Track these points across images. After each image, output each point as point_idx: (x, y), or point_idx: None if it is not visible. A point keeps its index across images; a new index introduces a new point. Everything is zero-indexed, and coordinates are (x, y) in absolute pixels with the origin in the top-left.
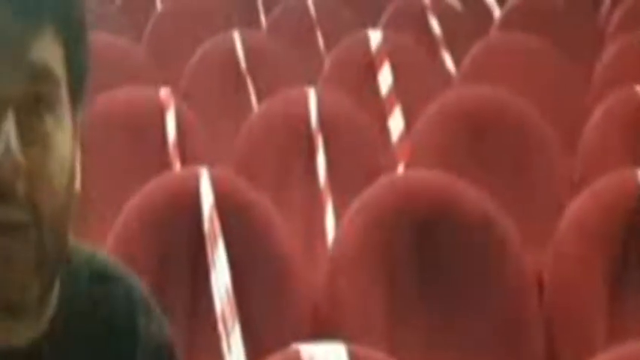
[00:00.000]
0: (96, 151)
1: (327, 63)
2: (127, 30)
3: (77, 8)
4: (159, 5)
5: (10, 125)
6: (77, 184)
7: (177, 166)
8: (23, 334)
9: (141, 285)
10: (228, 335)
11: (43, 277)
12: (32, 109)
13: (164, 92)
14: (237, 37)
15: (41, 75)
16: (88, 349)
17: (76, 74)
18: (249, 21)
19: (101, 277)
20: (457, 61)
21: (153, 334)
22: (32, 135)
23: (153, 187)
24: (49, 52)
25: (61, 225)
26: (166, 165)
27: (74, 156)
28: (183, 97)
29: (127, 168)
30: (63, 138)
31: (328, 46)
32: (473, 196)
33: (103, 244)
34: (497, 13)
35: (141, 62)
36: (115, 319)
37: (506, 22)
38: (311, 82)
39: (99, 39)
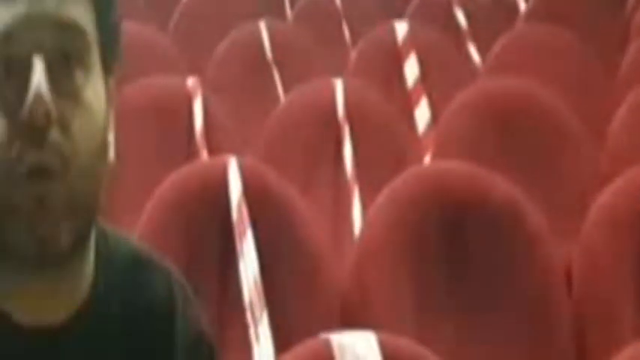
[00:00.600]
0: (123, 139)
1: (353, 54)
2: (154, 19)
3: None
4: None
5: (40, 72)
6: (111, 152)
7: (204, 155)
8: (59, 306)
9: (177, 272)
10: (256, 324)
11: (74, 222)
12: (63, 63)
13: (191, 81)
14: (263, 27)
15: (71, 29)
16: (123, 331)
17: (106, 37)
18: (274, 11)
19: (139, 261)
20: (483, 53)
21: (192, 320)
22: (63, 88)
23: (181, 176)
24: (79, 9)
25: (92, 176)
26: (193, 154)
27: (107, 119)
28: (209, 86)
29: (155, 157)
30: (94, 95)
31: (354, 37)
32: (501, 187)
33: (131, 233)
34: (522, 5)
35: (167, 51)
36: (153, 302)
37: (532, 14)
38: (337, 72)
39: (126, 28)
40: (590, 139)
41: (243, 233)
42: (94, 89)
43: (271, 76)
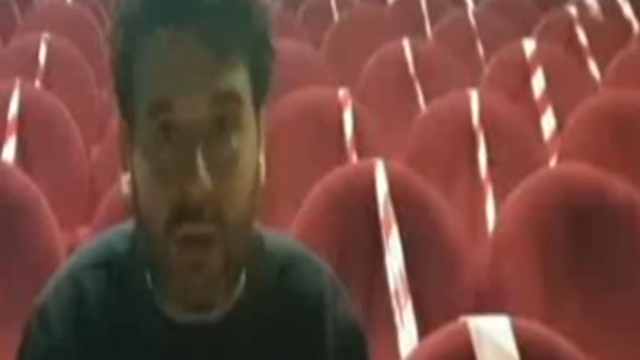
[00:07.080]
0: (282, 145)
1: (486, 68)
2: (309, 38)
3: (262, 27)
4: (336, 15)
5: (198, 156)
6: (262, 177)
7: (353, 159)
8: (214, 314)
9: (329, 268)
10: (401, 311)
11: (228, 277)
12: (219, 129)
13: (342, 93)
14: (406, 44)
15: (227, 99)
16: (276, 324)
17: (260, 83)
18: (416, 31)
19: (292, 258)
20: (601, 68)
21: (343, 314)
22: (219, 157)
23: (333, 178)
24: (235, 74)
25: (244, 228)
26: (344, 158)
27: (258, 154)
28: (358, 97)
29: (309, 160)
30: (248, 146)
31: (487, 53)
32: (620, 187)
33: (288, 228)
34: (635, 25)
35: (321, 66)
36: (304, 295)
37: None
38: (472, 85)
39: (284, 45)
40: None
41: (389, 229)
42: (248, 139)
43: (413, 89)
